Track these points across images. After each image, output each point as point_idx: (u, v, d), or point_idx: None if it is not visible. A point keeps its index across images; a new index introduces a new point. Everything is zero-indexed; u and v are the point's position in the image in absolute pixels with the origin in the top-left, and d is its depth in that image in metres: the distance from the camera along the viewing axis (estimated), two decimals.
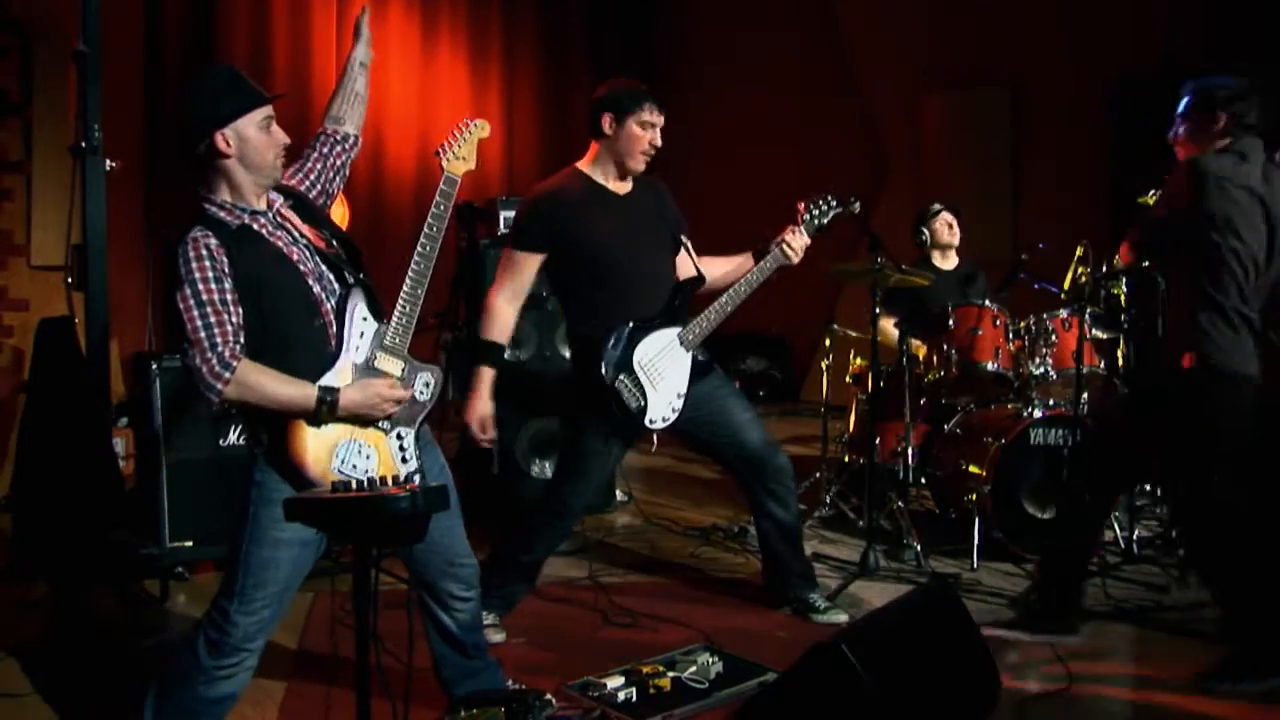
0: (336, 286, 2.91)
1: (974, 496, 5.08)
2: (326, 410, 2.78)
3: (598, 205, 4.01)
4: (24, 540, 4.68)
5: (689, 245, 4.25)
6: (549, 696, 3.38)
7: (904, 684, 2.99)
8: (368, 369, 2.88)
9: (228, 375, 2.68)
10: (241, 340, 2.73)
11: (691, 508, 6.18)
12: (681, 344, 4.02)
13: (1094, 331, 5.23)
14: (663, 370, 3.98)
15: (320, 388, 2.78)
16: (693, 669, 3.69)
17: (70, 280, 4.65)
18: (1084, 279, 5.10)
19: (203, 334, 2.69)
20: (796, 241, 4.17)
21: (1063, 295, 5.34)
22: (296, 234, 2.91)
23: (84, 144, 4.32)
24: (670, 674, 3.64)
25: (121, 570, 4.53)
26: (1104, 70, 7.94)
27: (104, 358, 4.59)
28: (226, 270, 2.73)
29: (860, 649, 2.91)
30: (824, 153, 9.91)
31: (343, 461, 2.82)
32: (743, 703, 3.44)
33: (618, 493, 6.17)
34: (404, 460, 2.95)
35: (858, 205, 4.74)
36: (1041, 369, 5.24)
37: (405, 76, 10.20)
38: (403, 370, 2.94)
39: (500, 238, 5.95)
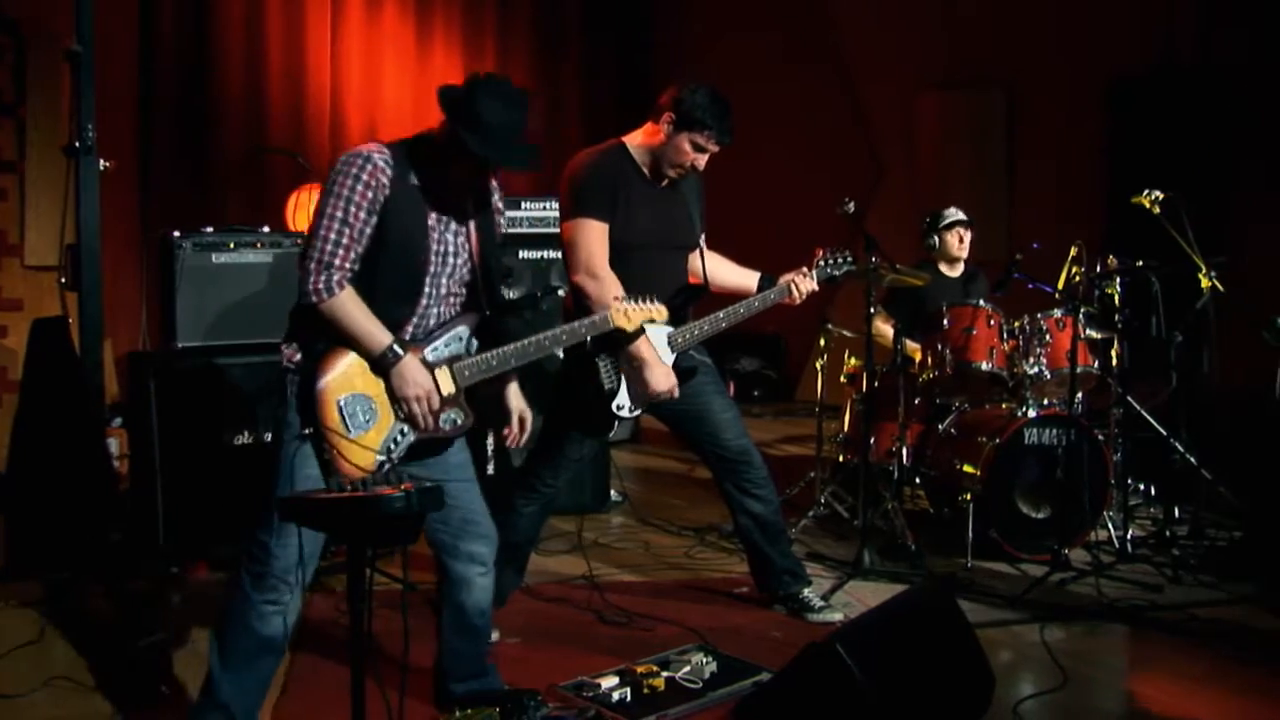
0: (450, 293, 3.14)
1: (968, 496, 5.08)
2: (386, 361, 2.98)
3: (635, 191, 3.97)
4: (18, 540, 4.68)
5: (704, 249, 4.24)
6: (543, 697, 3.39)
7: (899, 683, 2.99)
8: (429, 369, 3.06)
9: (327, 297, 2.93)
10: (354, 268, 2.96)
11: (687, 507, 6.18)
12: (669, 344, 4.01)
13: (1088, 331, 5.24)
14: None
15: (395, 340, 2.99)
16: (687, 669, 3.69)
17: (64, 280, 4.63)
18: (1078, 279, 5.11)
19: (329, 248, 2.93)
20: (804, 285, 4.19)
21: (1057, 295, 5.36)
22: (462, 234, 3.13)
23: (78, 144, 4.30)
24: (664, 674, 3.64)
25: (116, 570, 4.52)
26: (1100, 70, 7.94)
27: (98, 358, 4.57)
28: (379, 205, 2.96)
29: (855, 648, 2.92)
30: (820, 152, 9.92)
31: (347, 403, 2.98)
32: (737, 702, 3.45)
33: (613, 493, 6.17)
34: (388, 450, 3.05)
35: (852, 205, 4.76)
36: (1036, 369, 5.24)
37: (400, 76, 10.18)
38: (450, 394, 3.10)
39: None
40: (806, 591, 4.38)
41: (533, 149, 3.09)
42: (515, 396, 3.42)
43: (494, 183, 3.27)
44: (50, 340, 4.71)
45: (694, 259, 4.21)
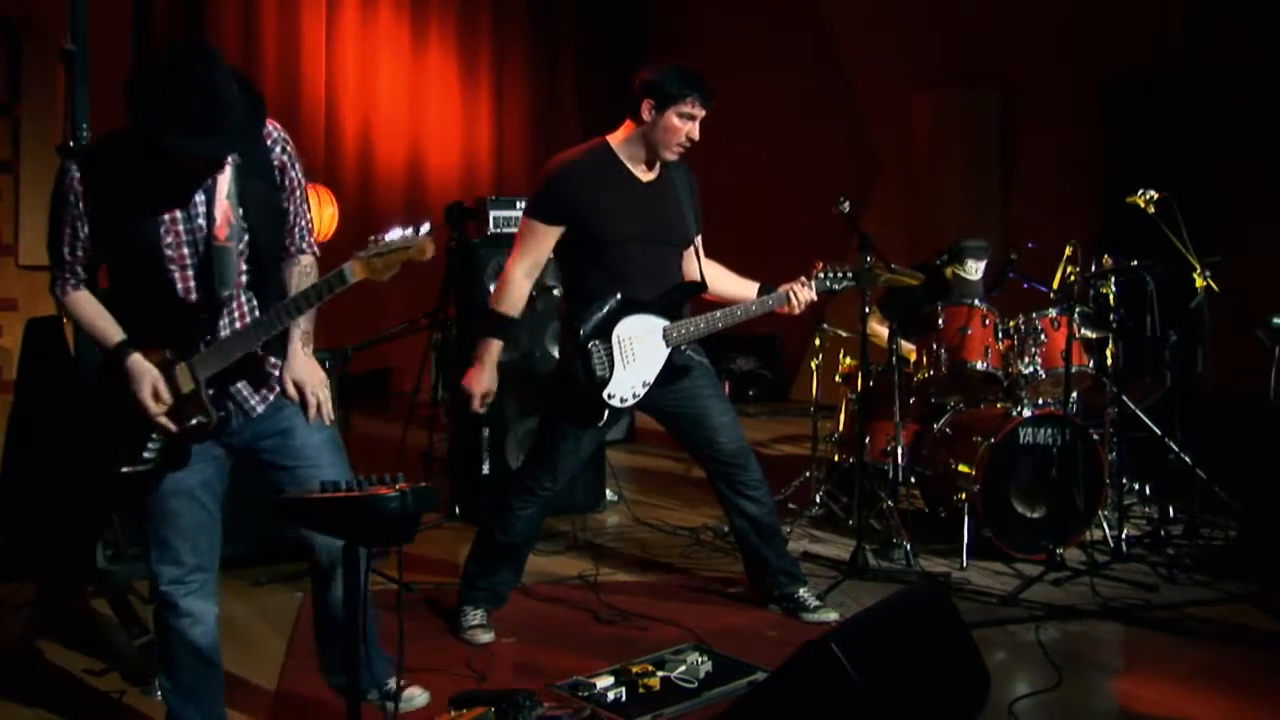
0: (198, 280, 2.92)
1: (963, 495, 5.09)
2: (115, 360, 2.89)
3: (617, 188, 3.96)
4: (12, 541, 4.67)
5: (699, 247, 4.23)
6: (538, 696, 3.38)
7: (894, 683, 2.99)
8: (167, 365, 2.91)
9: (62, 299, 2.92)
10: (79, 275, 2.91)
11: (682, 507, 6.19)
12: (664, 337, 3.99)
13: (1083, 331, 5.26)
14: (637, 353, 3.95)
15: (122, 341, 2.89)
16: (682, 668, 3.69)
17: None
18: (1073, 278, 5.12)
19: (52, 256, 2.90)
20: (803, 294, 4.15)
21: (1052, 294, 5.37)
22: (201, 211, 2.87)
23: (72, 144, 4.30)
24: (660, 673, 3.64)
25: (110, 570, 4.51)
26: (1093, 69, 7.96)
27: (93, 357, 4.57)
28: (81, 211, 2.84)
29: (850, 648, 2.91)
30: (815, 151, 9.93)
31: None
32: (732, 702, 3.45)
33: (608, 492, 6.16)
34: (138, 457, 2.91)
35: (848, 204, 4.76)
36: (1030, 368, 5.25)
37: (394, 76, 10.20)
38: (190, 392, 2.91)
39: (490, 237, 5.96)
40: (802, 591, 4.38)
41: (244, 119, 2.76)
42: (290, 369, 3.07)
43: (271, 133, 2.97)
44: (45, 340, 4.69)
45: (690, 261, 4.21)
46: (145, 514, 2.99)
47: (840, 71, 9.99)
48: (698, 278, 4.19)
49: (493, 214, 5.99)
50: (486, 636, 4.08)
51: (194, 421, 2.91)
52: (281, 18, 9.31)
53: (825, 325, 6.08)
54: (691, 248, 4.19)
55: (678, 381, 4.06)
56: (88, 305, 2.94)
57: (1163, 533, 5.21)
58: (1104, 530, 5.23)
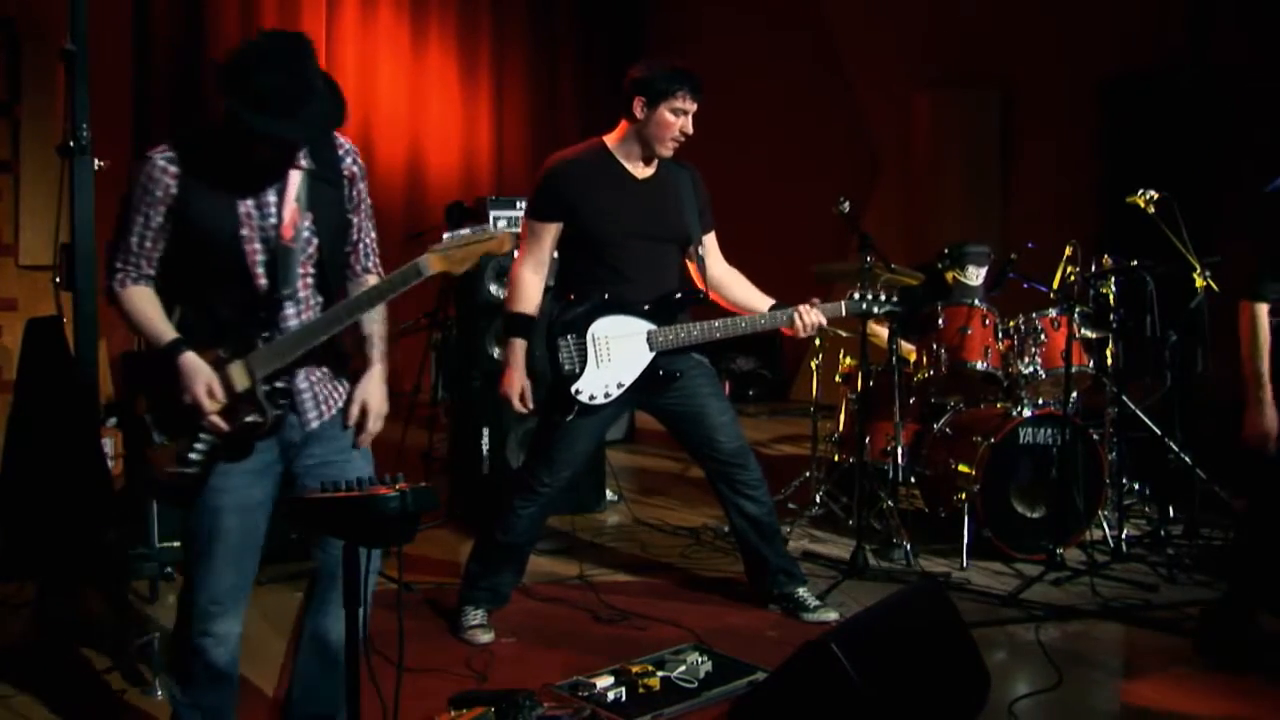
0: (308, 275, 2.93)
1: (963, 495, 5.09)
2: (167, 359, 2.83)
3: (611, 186, 3.99)
4: (11, 541, 4.67)
5: (702, 251, 4.19)
6: (538, 696, 3.38)
7: (894, 683, 2.99)
8: (220, 364, 2.86)
9: (119, 292, 2.87)
10: (142, 270, 2.86)
11: (682, 507, 6.19)
12: (648, 342, 3.99)
13: (1083, 331, 5.26)
14: (614, 354, 3.95)
15: (176, 339, 2.84)
16: (682, 668, 3.69)
17: (59, 280, 4.63)
18: (1073, 278, 5.12)
19: (111, 252, 2.86)
20: (810, 317, 4.05)
21: (1052, 294, 5.37)
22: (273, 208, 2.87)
23: (72, 143, 4.29)
24: (659, 673, 3.64)
25: (110, 571, 4.51)
26: (1093, 69, 7.96)
27: (93, 357, 4.57)
28: (164, 203, 2.80)
29: (850, 648, 2.92)
30: (815, 151, 9.93)
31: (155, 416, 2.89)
32: (732, 702, 3.45)
33: (608, 492, 6.16)
34: (185, 459, 2.87)
35: (848, 204, 4.76)
36: (1030, 368, 5.25)
37: (395, 76, 10.20)
38: (245, 390, 2.86)
39: None
40: (802, 591, 4.39)
41: (325, 111, 2.81)
42: (365, 389, 3.04)
43: (343, 144, 3.02)
44: (45, 340, 4.69)
45: (699, 262, 4.20)
46: (196, 529, 2.90)
47: (840, 71, 9.99)
48: (706, 279, 4.17)
49: (493, 214, 5.98)
50: (486, 636, 4.09)
51: (248, 420, 2.86)
52: (281, 18, 9.30)
53: (825, 325, 6.06)
54: (693, 246, 4.18)
55: (668, 385, 4.06)
56: (147, 302, 2.88)
57: (1162, 533, 5.21)
58: (1104, 530, 5.23)
